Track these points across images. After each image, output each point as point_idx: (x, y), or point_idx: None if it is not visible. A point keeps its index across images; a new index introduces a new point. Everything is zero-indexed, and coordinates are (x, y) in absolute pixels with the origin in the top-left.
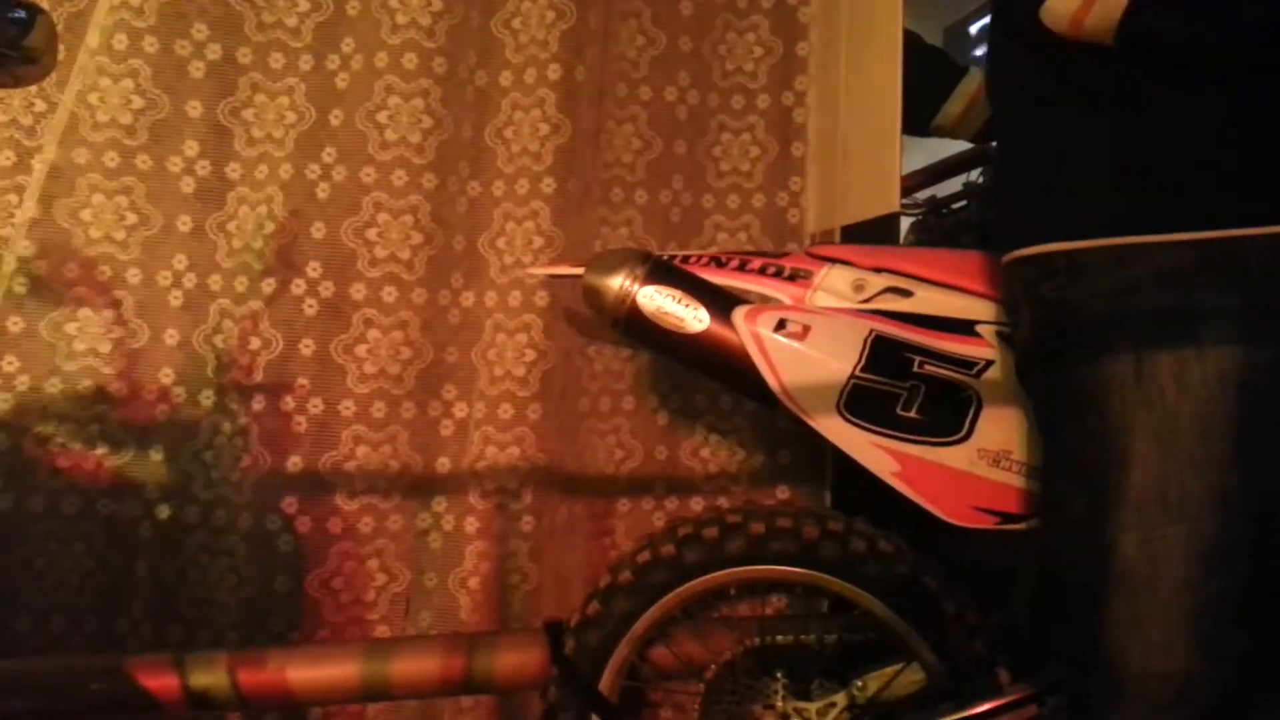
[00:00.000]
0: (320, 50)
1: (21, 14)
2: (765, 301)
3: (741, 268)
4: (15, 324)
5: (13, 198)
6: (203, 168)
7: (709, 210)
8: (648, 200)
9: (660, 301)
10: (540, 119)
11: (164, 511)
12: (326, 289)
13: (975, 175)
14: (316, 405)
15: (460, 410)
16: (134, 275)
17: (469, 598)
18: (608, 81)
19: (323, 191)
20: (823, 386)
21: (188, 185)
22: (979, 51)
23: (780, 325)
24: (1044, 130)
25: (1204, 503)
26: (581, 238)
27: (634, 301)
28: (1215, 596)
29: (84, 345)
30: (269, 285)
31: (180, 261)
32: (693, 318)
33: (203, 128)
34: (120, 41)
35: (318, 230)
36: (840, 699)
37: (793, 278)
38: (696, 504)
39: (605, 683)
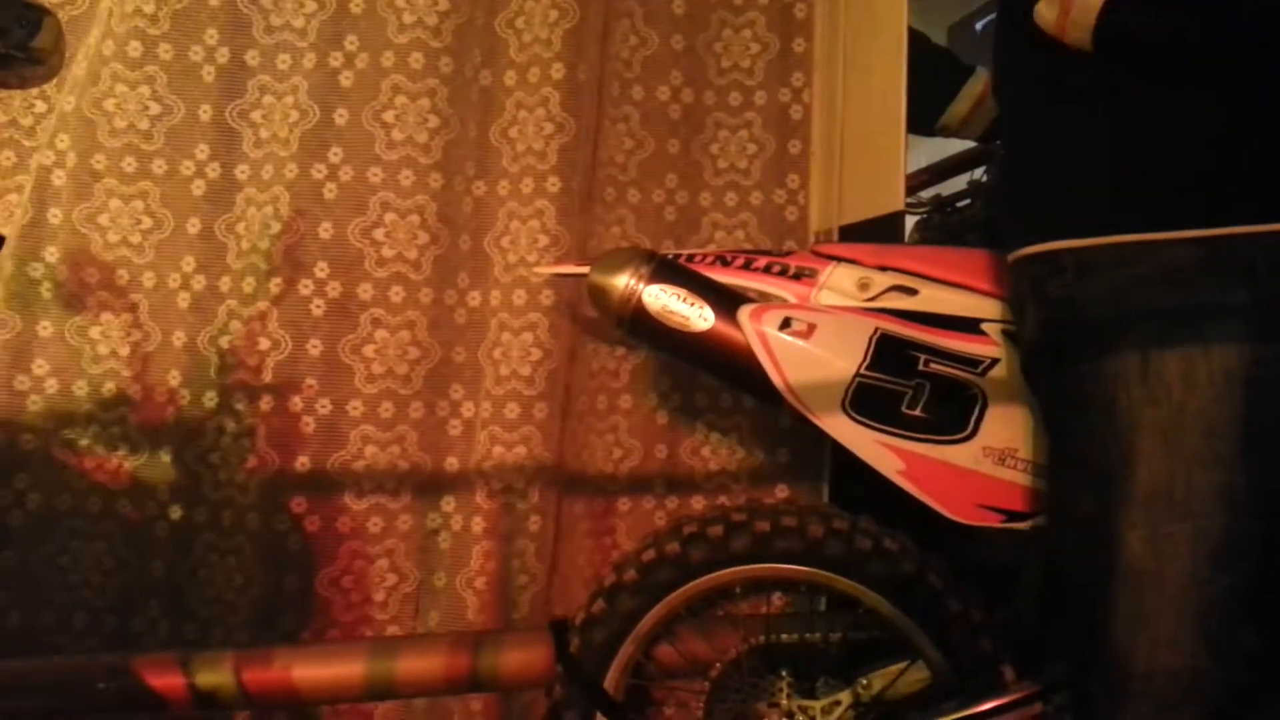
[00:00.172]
0: (323, 47)
1: (29, 16)
2: (770, 300)
3: (746, 266)
4: (45, 329)
5: (14, 197)
6: (213, 170)
7: (706, 208)
8: (640, 199)
9: (665, 300)
10: (544, 118)
11: (176, 512)
12: (334, 289)
13: (980, 173)
14: (325, 405)
15: (468, 410)
16: (149, 279)
17: (476, 598)
18: (607, 80)
19: (330, 191)
20: (828, 385)
21: (198, 188)
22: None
23: (785, 324)
24: (1049, 129)
25: (1211, 500)
26: (586, 237)
27: (639, 300)
28: (1222, 594)
29: (106, 349)
30: (276, 285)
31: (189, 264)
32: (698, 316)
33: (213, 130)
34: (135, 49)
35: (325, 230)
36: (845, 697)
37: (798, 276)
38: (697, 502)
39: (610, 681)
